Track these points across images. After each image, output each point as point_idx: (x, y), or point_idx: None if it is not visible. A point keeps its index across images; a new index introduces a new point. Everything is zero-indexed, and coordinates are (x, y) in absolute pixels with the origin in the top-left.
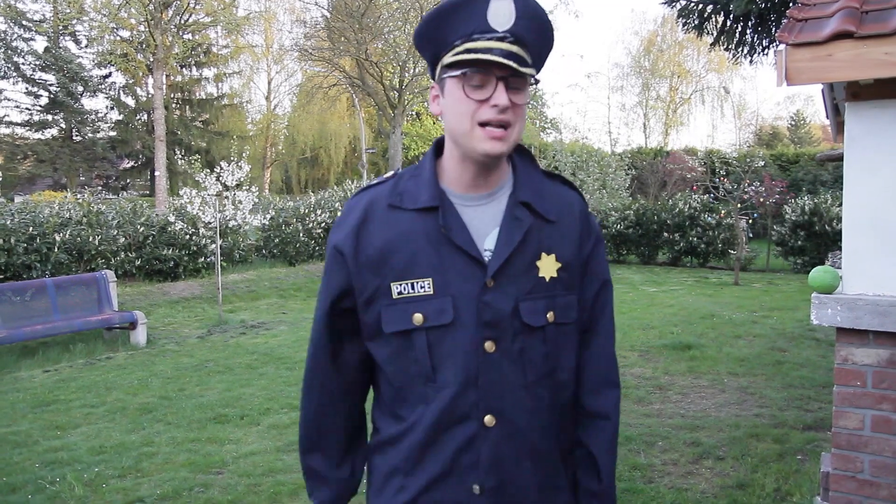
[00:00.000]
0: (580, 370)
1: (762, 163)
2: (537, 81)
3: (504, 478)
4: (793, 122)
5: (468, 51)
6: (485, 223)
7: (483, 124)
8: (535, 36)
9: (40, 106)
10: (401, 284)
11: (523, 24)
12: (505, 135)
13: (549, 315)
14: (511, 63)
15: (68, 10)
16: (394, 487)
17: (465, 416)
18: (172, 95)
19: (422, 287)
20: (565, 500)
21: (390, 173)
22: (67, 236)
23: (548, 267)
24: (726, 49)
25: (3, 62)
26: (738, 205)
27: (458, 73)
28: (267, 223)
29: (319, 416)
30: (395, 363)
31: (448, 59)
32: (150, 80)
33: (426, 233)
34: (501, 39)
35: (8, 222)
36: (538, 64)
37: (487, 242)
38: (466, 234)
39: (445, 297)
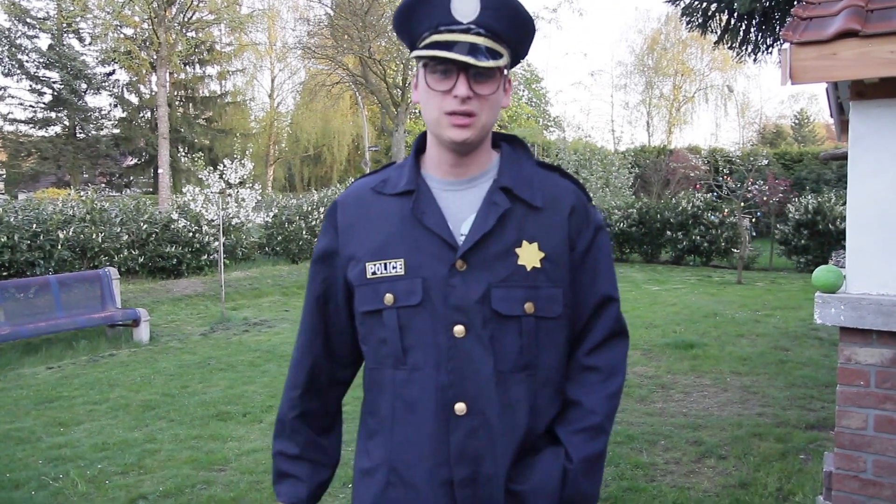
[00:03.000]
0: (569, 362)
1: (766, 161)
2: (516, 61)
3: (478, 470)
4: (796, 121)
5: (431, 45)
6: (462, 208)
7: (449, 113)
8: (505, 24)
9: (44, 103)
10: (375, 265)
11: (490, 14)
12: (469, 122)
13: (528, 306)
14: (464, 59)
15: (72, 8)
16: (368, 481)
17: (435, 402)
18: (176, 93)
19: (393, 267)
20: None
21: (383, 166)
22: (71, 233)
23: (529, 256)
24: (730, 47)
25: (7, 60)
26: (742, 203)
27: (422, 64)
28: (270, 221)
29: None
30: (369, 343)
31: (414, 52)
32: (154, 78)
33: (402, 216)
34: (466, 31)
35: (12, 219)
36: (520, 49)
37: (464, 227)
38: (440, 217)
39: (416, 278)
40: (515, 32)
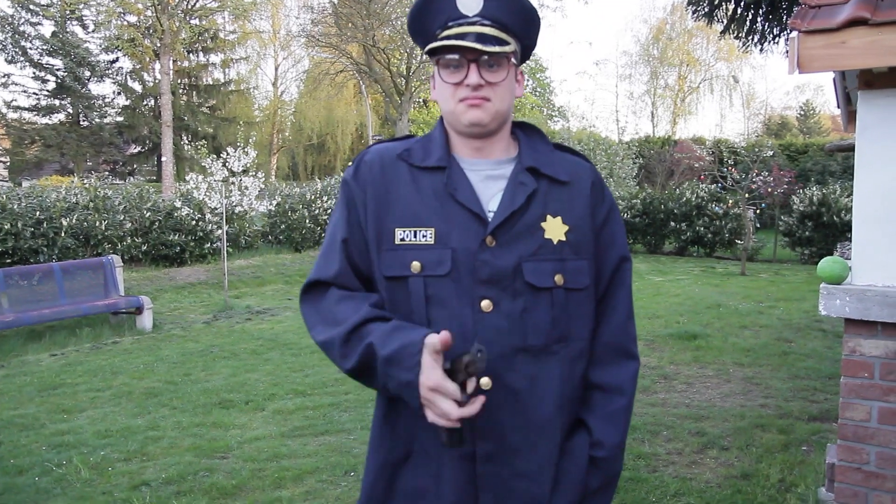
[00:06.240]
0: (592, 344)
1: (770, 153)
2: (527, 53)
3: (502, 444)
4: (802, 112)
5: (440, 38)
6: (490, 187)
7: (463, 100)
8: (509, 14)
9: (47, 91)
10: (404, 231)
11: (493, 6)
12: (483, 104)
13: (558, 278)
14: (471, 44)
15: None
16: (385, 449)
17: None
18: (179, 81)
19: (423, 236)
20: (573, 467)
21: (401, 136)
22: (74, 221)
23: (554, 229)
24: (736, 37)
25: (10, 47)
26: (746, 195)
27: (436, 59)
28: (273, 209)
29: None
30: (393, 311)
31: (427, 46)
32: (157, 66)
33: (433, 189)
34: (473, 24)
35: (15, 207)
36: (528, 38)
37: (492, 204)
38: (471, 192)
39: (445, 248)
40: (520, 21)
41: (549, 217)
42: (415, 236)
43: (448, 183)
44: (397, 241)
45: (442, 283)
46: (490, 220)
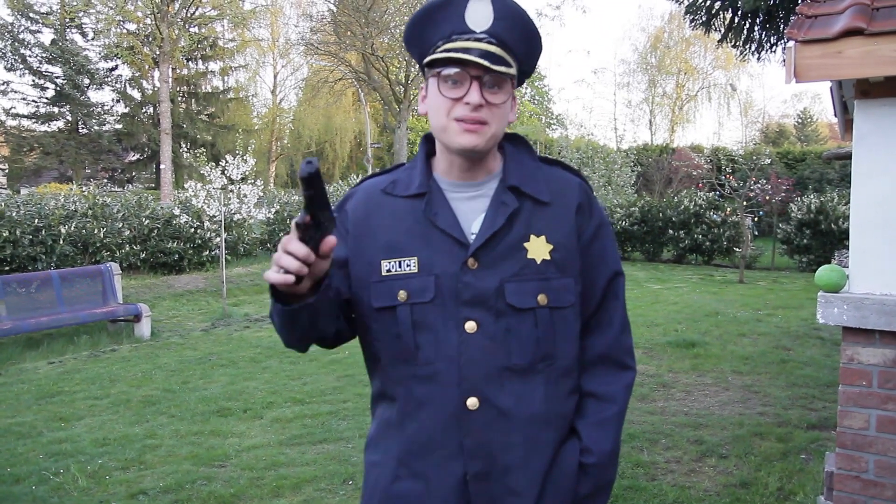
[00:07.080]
0: (587, 355)
1: (768, 161)
2: (522, 79)
3: (492, 463)
4: (799, 120)
5: (444, 51)
6: (473, 209)
7: (458, 120)
8: (515, 36)
9: (46, 98)
10: (389, 262)
11: (502, 25)
12: (480, 129)
13: (541, 298)
14: (480, 60)
15: (75, 3)
16: (377, 473)
17: (447, 397)
18: (178, 89)
19: (407, 265)
20: (560, 474)
21: (391, 167)
22: (73, 228)
23: (538, 249)
24: (734, 46)
25: (9, 54)
26: (744, 202)
27: (435, 72)
28: (272, 217)
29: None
30: (383, 339)
31: (427, 59)
32: (156, 73)
33: (414, 217)
34: (479, 40)
35: (14, 214)
36: (527, 65)
37: (474, 227)
38: (452, 217)
39: (429, 275)
40: (524, 45)
41: (532, 237)
42: (399, 266)
43: (427, 209)
44: (384, 273)
45: (427, 308)
46: (472, 242)
